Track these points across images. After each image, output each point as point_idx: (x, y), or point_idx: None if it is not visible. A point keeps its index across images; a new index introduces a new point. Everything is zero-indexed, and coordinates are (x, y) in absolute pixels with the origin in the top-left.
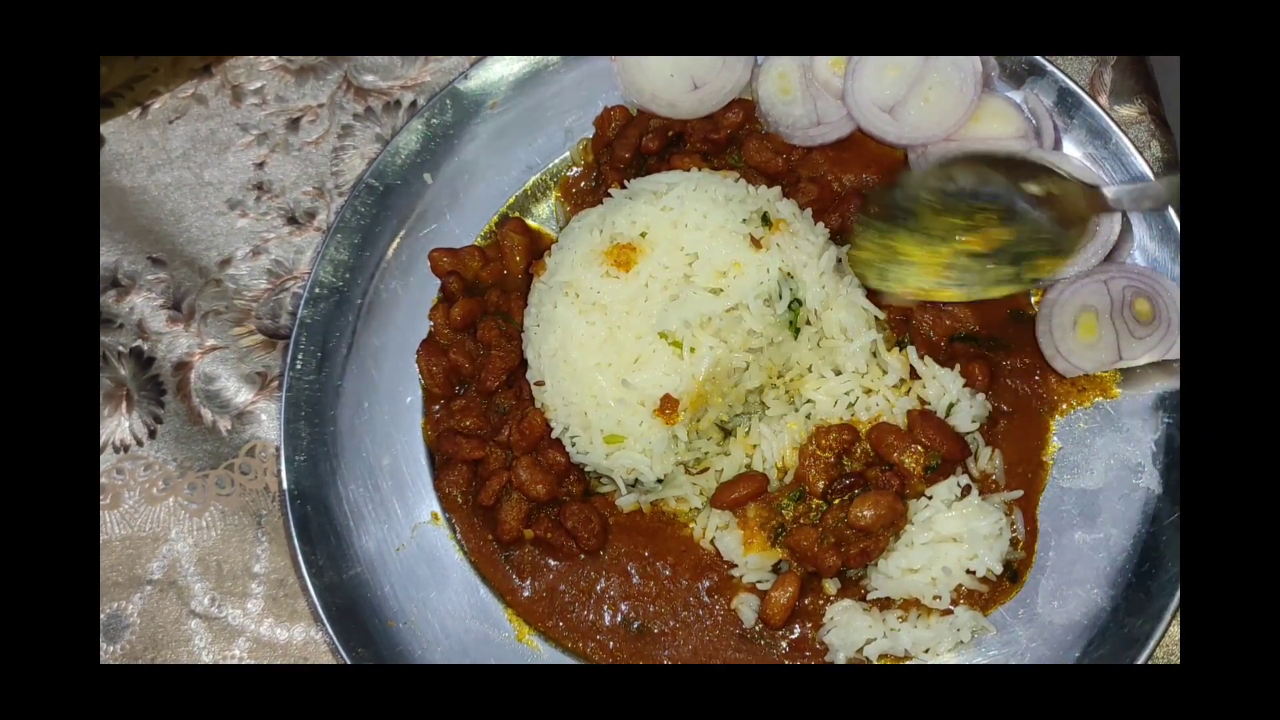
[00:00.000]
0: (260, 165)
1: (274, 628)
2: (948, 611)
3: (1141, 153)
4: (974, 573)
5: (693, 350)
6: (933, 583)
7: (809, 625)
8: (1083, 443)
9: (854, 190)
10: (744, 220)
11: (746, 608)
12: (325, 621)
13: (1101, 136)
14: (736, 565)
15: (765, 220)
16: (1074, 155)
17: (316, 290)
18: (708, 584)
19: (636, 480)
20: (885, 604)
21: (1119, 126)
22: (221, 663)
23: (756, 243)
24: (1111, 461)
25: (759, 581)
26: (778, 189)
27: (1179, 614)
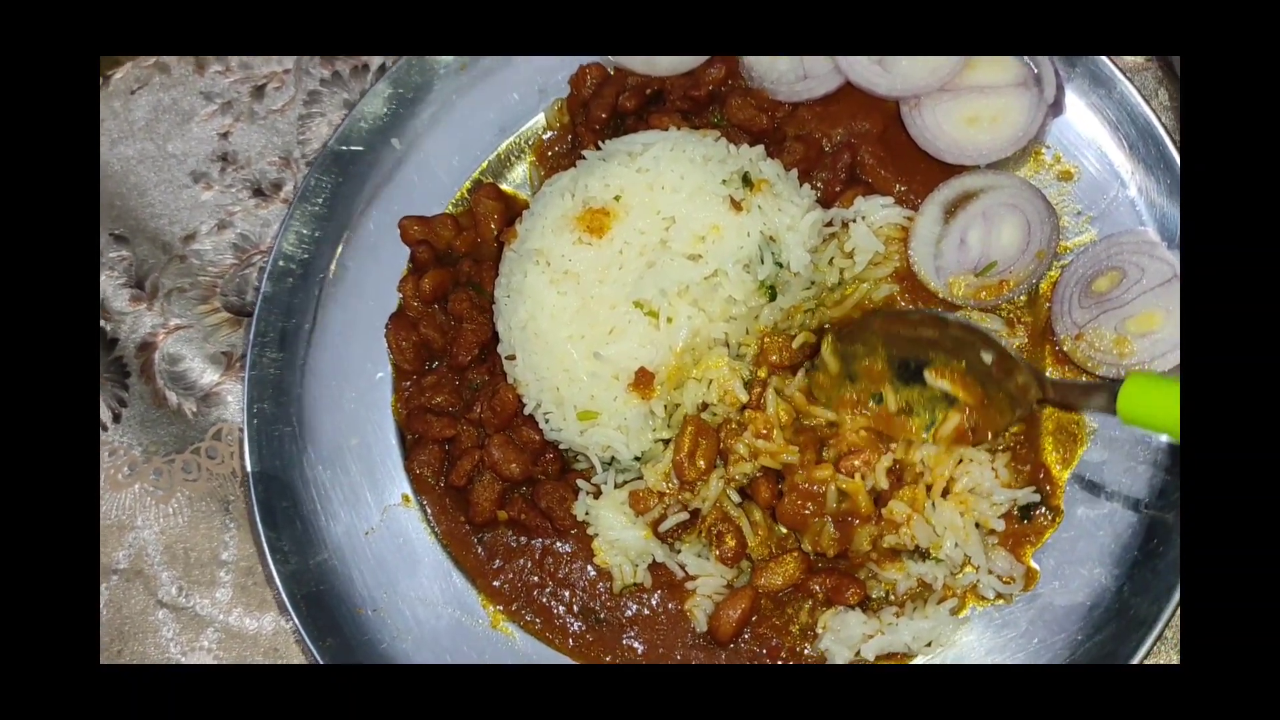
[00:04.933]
0: (225, 135)
1: (243, 617)
2: (944, 598)
3: (1149, 101)
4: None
5: (670, 320)
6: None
7: (787, 637)
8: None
9: (845, 146)
10: (724, 181)
11: (700, 612)
12: (291, 609)
13: (1105, 85)
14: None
15: (746, 181)
16: (1077, 103)
17: (280, 264)
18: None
19: (613, 458)
20: (879, 604)
21: (1124, 74)
22: (191, 652)
23: (737, 205)
24: (1116, 432)
25: (713, 594)
26: (760, 148)
27: (1179, 613)
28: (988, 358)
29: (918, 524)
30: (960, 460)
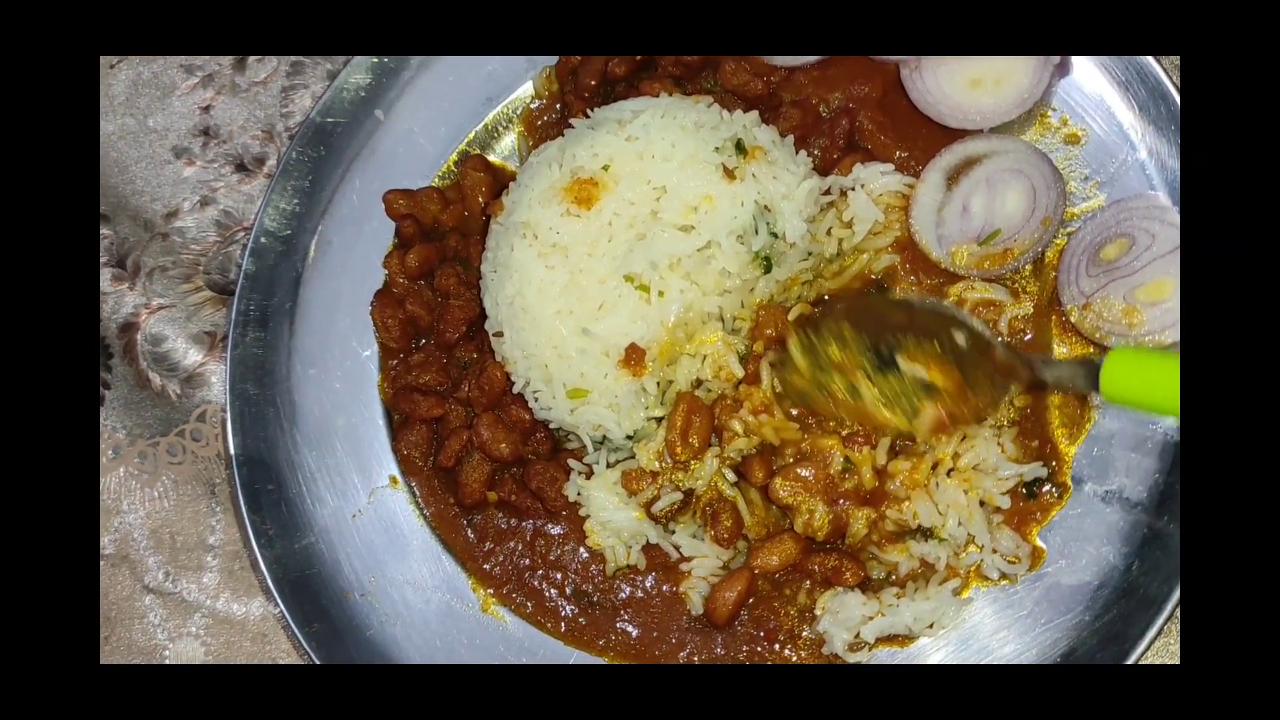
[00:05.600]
0: (206, 109)
1: (230, 602)
2: (946, 579)
3: (1159, 60)
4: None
5: (661, 294)
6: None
7: (785, 619)
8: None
9: (843, 111)
10: (716, 149)
11: (696, 594)
12: (276, 595)
13: None
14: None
15: (740, 148)
16: (1085, 62)
17: (262, 240)
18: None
19: (605, 437)
20: (880, 585)
21: None
22: (179, 638)
23: (730, 173)
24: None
25: (708, 576)
26: (754, 113)
27: (1179, 613)
28: (961, 339)
29: (920, 502)
30: (964, 437)
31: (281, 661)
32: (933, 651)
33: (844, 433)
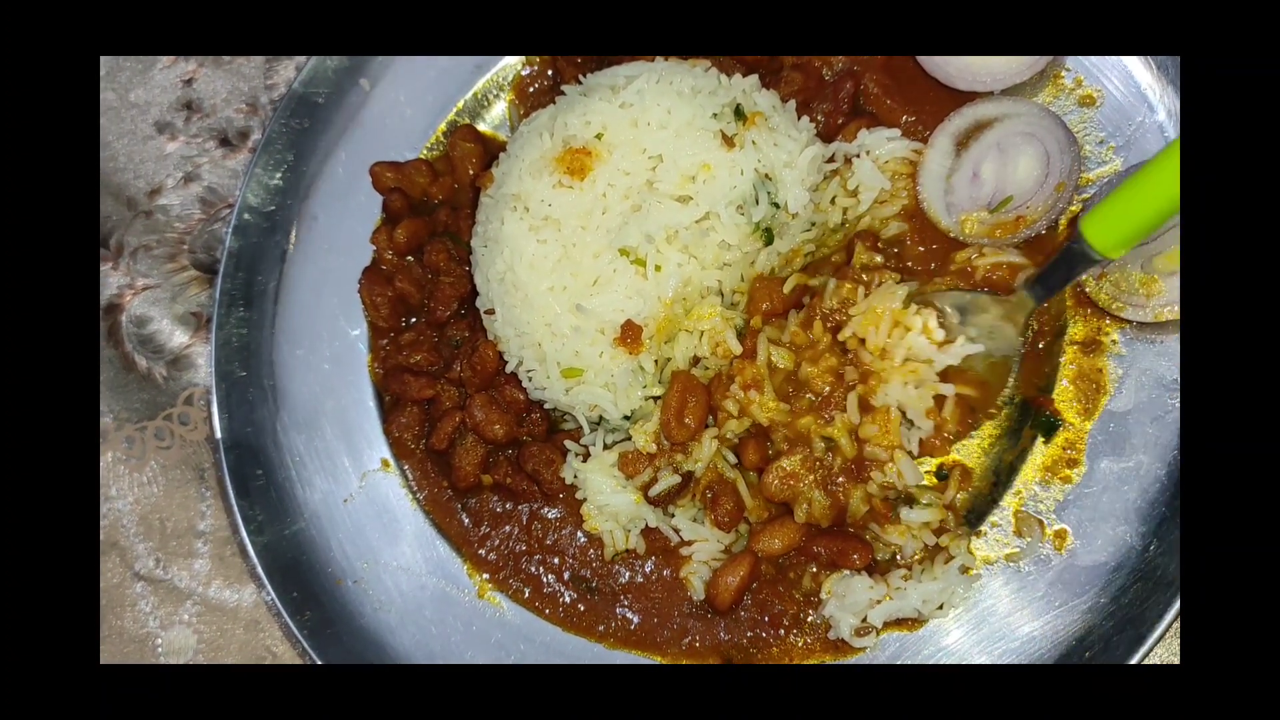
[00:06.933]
0: (189, 81)
1: (222, 589)
2: (951, 557)
3: None
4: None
5: (658, 268)
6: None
7: (791, 602)
8: (1109, 358)
9: (847, 74)
10: (714, 115)
11: (697, 579)
12: (267, 582)
13: None
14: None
15: (739, 114)
16: None
17: (245, 217)
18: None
19: (601, 418)
20: (886, 567)
21: None
22: (170, 626)
23: (729, 140)
24: (1143, 379)
25: (710, 560)
26: (754, 78)
27: (1179, 611)
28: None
29: (901, 460)
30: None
31: (274, 649)
32: (944, 635)
33: (816, 399)
